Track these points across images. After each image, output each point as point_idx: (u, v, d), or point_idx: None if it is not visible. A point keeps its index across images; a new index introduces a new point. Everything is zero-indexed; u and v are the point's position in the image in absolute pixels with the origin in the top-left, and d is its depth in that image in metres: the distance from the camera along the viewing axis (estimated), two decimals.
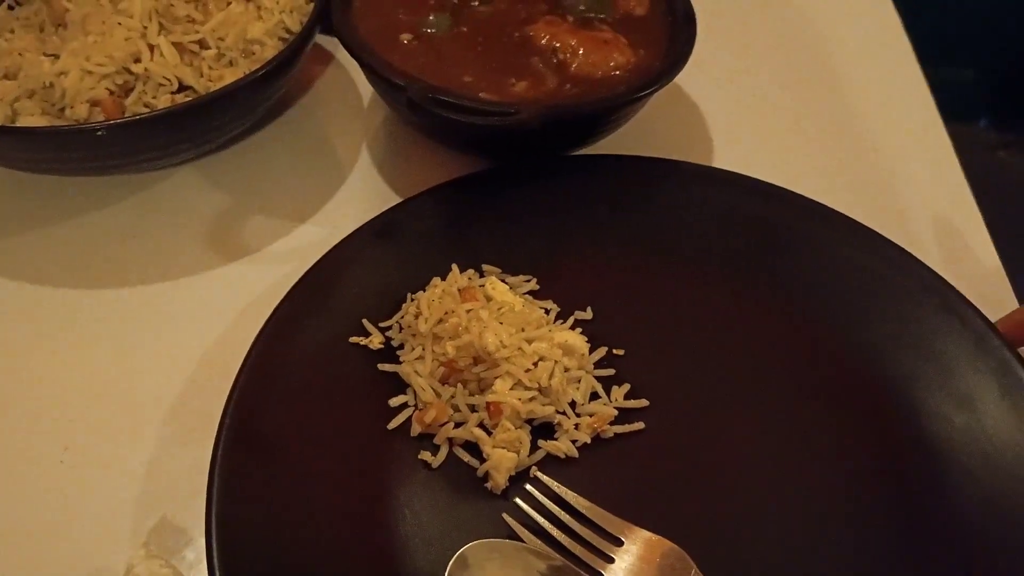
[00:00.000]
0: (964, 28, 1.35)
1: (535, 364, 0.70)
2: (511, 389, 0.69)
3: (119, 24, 0.83)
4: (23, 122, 0.80)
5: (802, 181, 0.85)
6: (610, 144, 0.90)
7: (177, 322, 0.78)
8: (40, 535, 0.66)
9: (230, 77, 0.83)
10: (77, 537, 0.66)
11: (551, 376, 0.70)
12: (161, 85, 0.82)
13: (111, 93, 0.81)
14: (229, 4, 0.88)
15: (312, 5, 0.89)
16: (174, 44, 0.83)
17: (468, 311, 0.71)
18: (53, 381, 0.74)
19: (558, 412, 0.70)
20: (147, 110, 0.81)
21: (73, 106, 0.80)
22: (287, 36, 0.89)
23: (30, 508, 0.67)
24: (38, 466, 0.69)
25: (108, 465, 0.69)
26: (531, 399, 0.69)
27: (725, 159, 0.95)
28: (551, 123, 0.81)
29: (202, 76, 0.84)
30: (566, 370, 0.71)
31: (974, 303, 0.75)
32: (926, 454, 0.70)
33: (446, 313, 0.72)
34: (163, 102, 0.82)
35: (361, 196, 0.89)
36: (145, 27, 0.83)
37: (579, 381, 0.72)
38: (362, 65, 0.83)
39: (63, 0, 0.85)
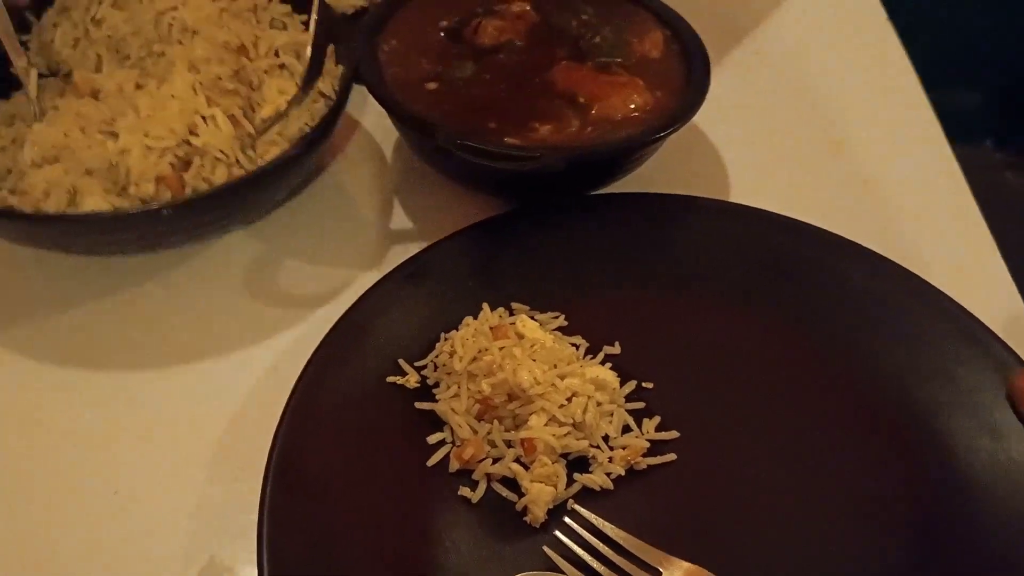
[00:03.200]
0: (964, 49, 1.36)
1: (568, 399, 0.72)
2: (546, 424, 0.71)
3: (172, 97, 0.83)
4: (88, 205, 0.77)
5: (816, 212, 0.88)
6: (629, 182, 0.92)
7: (219, 364, 0.81)
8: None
9: (273, 146, 0.84)
10: None
11: (584, 411, 0.72)
12: (217, 159, 0.81)
13: (172, 167, 0.80)
14: (265, 72, 0.90)
15: (341, 68, 0.90)
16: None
17: (501, 348, 0.73)
18: (103, 425, 0.76)
19: (592, 446, 0.72)
20: (206, 184, 0.80)
21: (139, 184, 0.78)
22: (321, 99, 0.89)
23: (82, 550, 0.69)
24: (90, 509, 0.71)
25: (157, 507, 0.71)
26: (565, 434, 0.71)
27: (739, 193, 0.97)
28: (575, 165, 0.84)
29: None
30: (598, 404, 0.73)
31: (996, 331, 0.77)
32: (953, 483, 0.71)
33: (480, 351, 0.74)
34: (220, 175, 0.81)
35: (395, 241, 0.91)
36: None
37: (611, 415, 0.74)
38: (391, 113, 0.86)
39: (93, 78, 0.86)
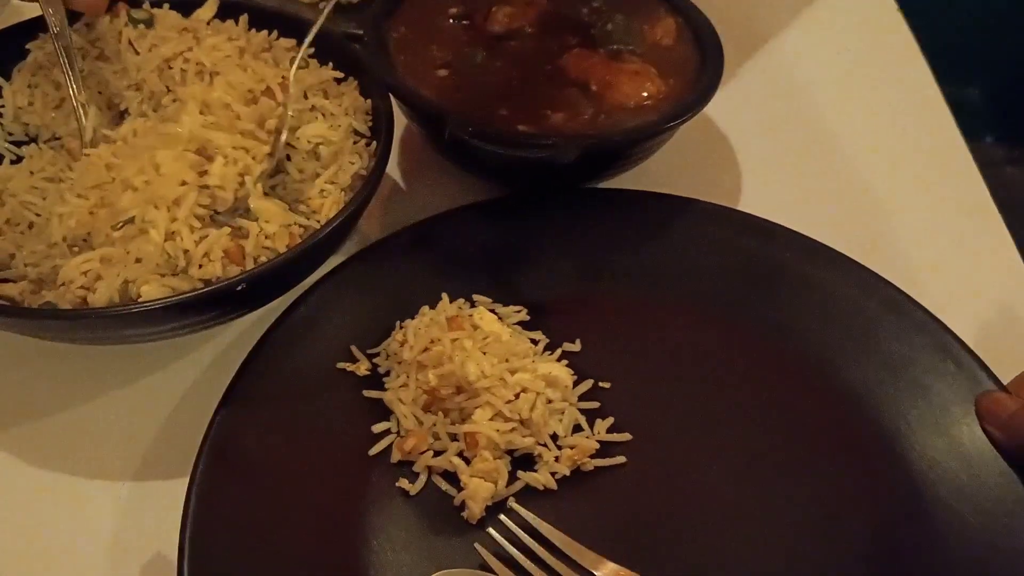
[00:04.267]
0: (964, 45, 1.28)
1: (517, 395, 0.70)
2: (491, 419, 0.69)
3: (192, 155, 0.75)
4: (148, 293, 0.69)
5: (821, 214, 0.87)
6: (631, 177, 0.90)
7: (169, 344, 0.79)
8: None
9: (328, 201, 0.78)
10: None
11: (532, 408, 0.70)
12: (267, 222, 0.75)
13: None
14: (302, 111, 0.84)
15: (369, 101, 0.85)
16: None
17: (453, 340, 0.72)
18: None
19: (539, 444, 0.70)
20: (268, 251, 0.74)
21: (203, 264, 0.71)
22: (358, 138, 0.84)
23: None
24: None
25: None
26: (511, 430, 0.69)
27: (745, 189, 0.94)
28: (587, 153, 0.82)
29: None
30: (549, 402, 0.71)
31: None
32: (915, 499, 0.67)
33: (431, 341, 0.73)
34: (280, 239, 0.74)
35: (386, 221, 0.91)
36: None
37: (562, 413, 0.72)
38: (400, 99, 0.85)
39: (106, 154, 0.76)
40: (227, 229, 0.73)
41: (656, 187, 0.88)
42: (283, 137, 0.79)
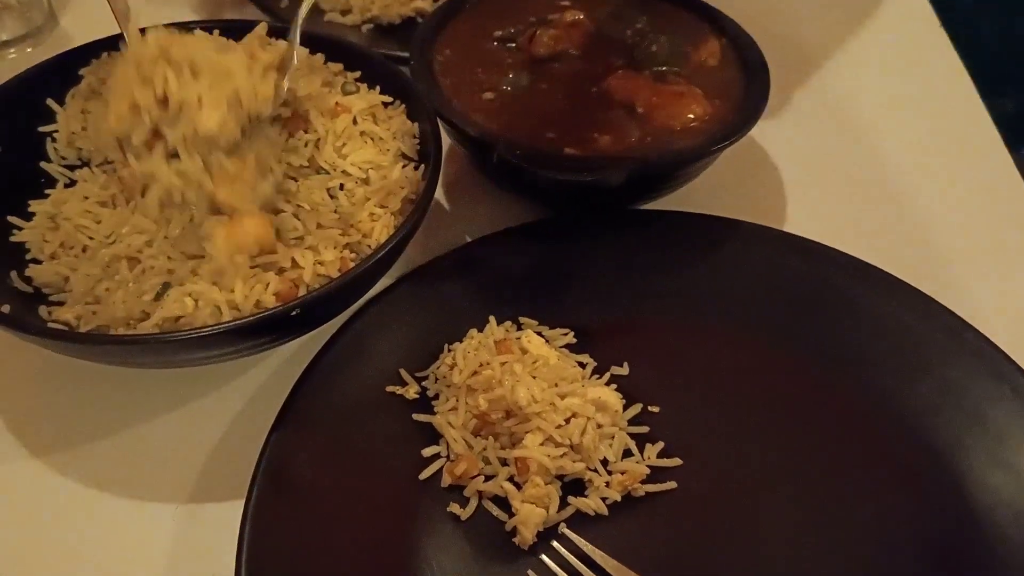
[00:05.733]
0: (1004, 54, 1.27)
1: (567, 420, 0.70)
2: (542, 444, 0.69)
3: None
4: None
5: (864, 238, 0.85)
6: (675, 199, 0.89)
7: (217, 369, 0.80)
8: None
9: (378, 225, 0.78)
10: None
11: (583, 433, 0.70)
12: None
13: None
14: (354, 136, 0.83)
15: (416, 124, 0.85)
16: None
17: (503, 364, 0.72)
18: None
19: (589, 469, 0.70)
20: (321, 277, 0.74)
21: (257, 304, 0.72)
22: (407, 162, 0.84)
23: None
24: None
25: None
26: (561, 455, 0.69)
27: (783, 212, 0.94)
28: (635, 176, 0.82)
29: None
30: (599, 426, 0.71)
31: None
32: (969, 529, 0.66)
33: (480, 365, 0.73)
34: (330, 258, 0.74)
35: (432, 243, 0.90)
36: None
37: (612, 438, 0.71)
38: (447, 123, 0.85)
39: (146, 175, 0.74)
40: (276, 276, 0.73)
41: (701, 208, 0.87)
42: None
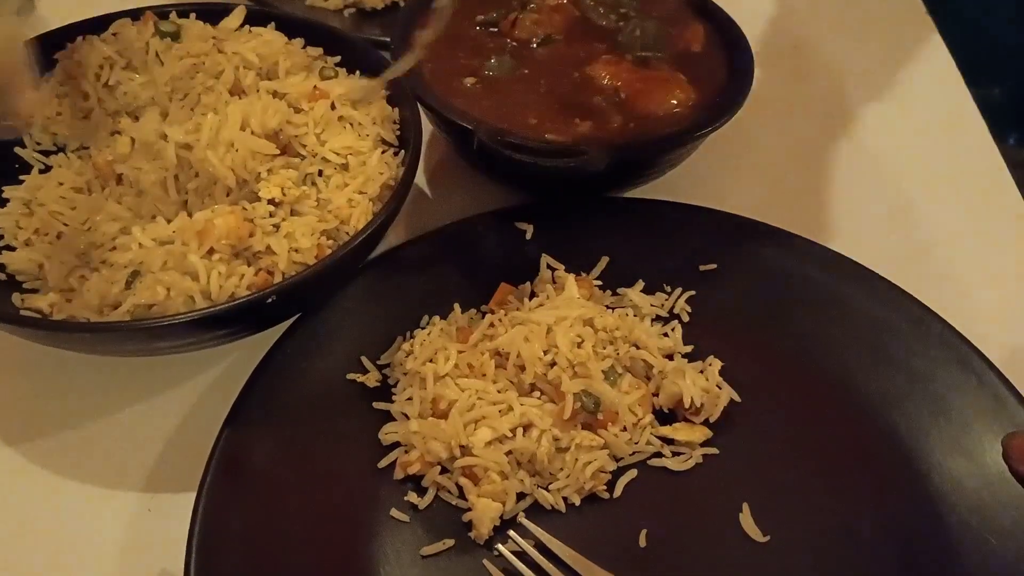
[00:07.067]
0: (988, 43, 1.27)
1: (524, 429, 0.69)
2: (489, 444, 0.68)
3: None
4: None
5: (843, 228, 0.87)
6: (653, 188, 0.89)
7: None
8: None
9: (356, 211, 0.77)
10: None
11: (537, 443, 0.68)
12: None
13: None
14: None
15: (396, 110, 0.85)
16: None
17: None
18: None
19: (540, 487, 0.69)
20: (297, 264, 0.73)
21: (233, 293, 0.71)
22: (386, 147, 0.83)
23: None
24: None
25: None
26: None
27: (762, 201, 0.92)
28: (617, 162, 0.81)
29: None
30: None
31: None
32: (929, 509, 0.67)
33: (435, 351, 0.72)
34: (307, 245, 0.73)
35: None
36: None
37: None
38: (428, 108, 0.85)
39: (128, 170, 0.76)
40: (248, 268, 0.72)
41: (683, 196, 0.87)
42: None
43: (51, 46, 0.85)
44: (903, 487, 0.68)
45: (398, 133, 0.83)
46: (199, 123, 0.75)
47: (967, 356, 0.72)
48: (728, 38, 0.89)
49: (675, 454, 0.71)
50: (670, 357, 0.75)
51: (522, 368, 0.71)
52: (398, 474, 0.69)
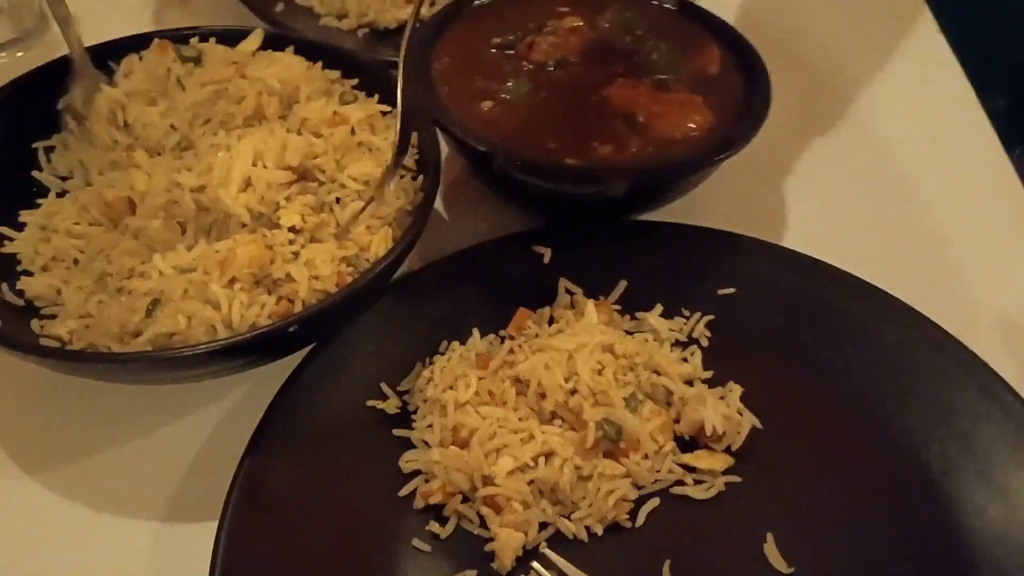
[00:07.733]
0: (992, 53, 1.27)
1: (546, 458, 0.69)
2: (511, 473, 0.68)
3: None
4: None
5: (865, 253, 0.85)
6: (672, 210, 0.88)
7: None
8: None
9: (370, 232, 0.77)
10: None
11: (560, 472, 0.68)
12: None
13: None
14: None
15: (415, 134, 0.82)
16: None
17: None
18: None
19: (563, 516, 0.68)
20: (318, 292, 0.73)
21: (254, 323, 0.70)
22: (404, 172, 0.82)
23: None
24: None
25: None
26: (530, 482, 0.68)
27: (782, 225, 0.93)
28: (636, 186, 0.81)
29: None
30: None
31: None
32: (953, 538, 0.67)
33: (456, 378, 0.72)
34: (327, 272, 0.72)
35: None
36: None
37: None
38: (447, 133, 0.84)
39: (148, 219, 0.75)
40: (269, 296, 0.71)
41: (701, 219, 0.86)
42: None
43: (68, 68, 0.85)
44: (928, 518, 0.67)
45: (416, 157, 0.83)
46: (210, 164, 0.74)
47: (991, 383, 0.71)
48: (745, 60, 0.88)
49: (697, 482, 0.70)
50: (690, 383, 0.75)
51: (543, 395, 0.70)
52: (419, 504, 0.69)
